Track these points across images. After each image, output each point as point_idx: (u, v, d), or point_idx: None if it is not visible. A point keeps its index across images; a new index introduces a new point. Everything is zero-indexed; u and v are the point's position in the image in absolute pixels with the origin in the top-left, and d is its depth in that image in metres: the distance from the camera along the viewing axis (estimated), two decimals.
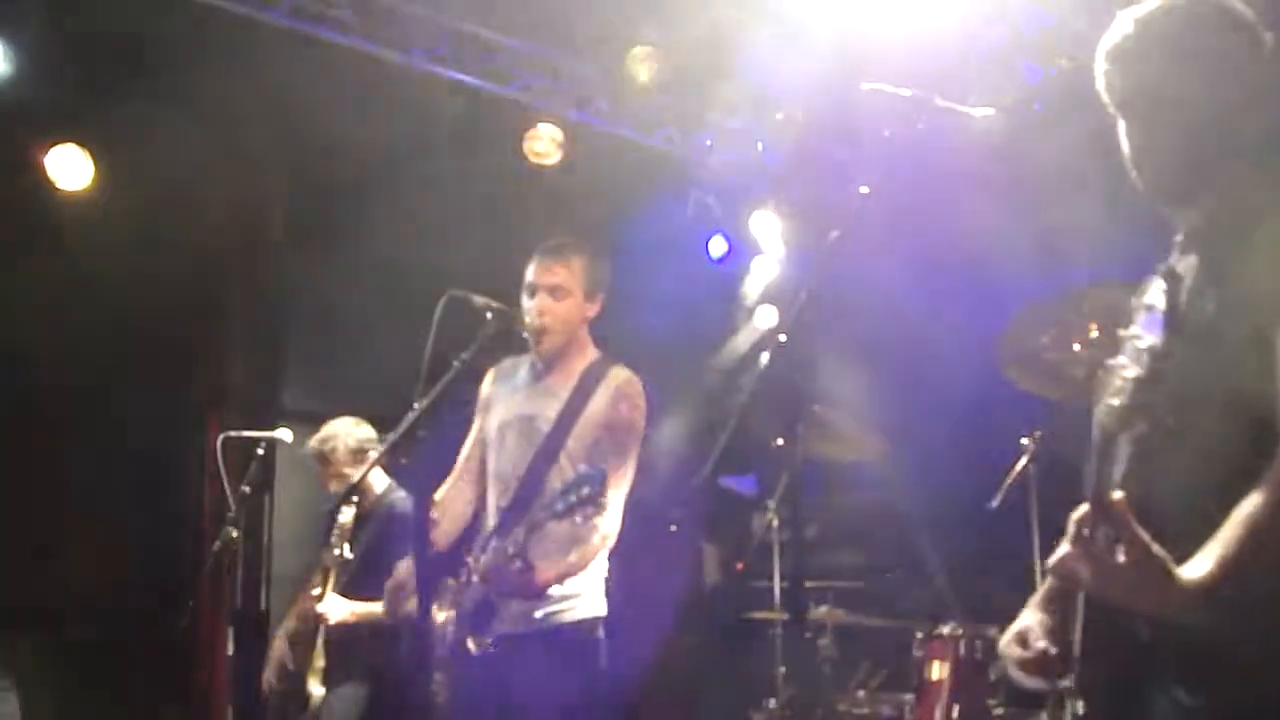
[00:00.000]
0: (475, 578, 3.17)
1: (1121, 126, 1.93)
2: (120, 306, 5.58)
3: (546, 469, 3.25)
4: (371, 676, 4.65)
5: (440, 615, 3.26)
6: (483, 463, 3.48)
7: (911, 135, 2.09)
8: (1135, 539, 1.59)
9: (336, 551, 4.45)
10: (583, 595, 3.28)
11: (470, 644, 3.15)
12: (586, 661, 3.27)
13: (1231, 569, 1.63)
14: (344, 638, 4.64)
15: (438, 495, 3.48)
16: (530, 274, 3.37)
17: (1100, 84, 1.94)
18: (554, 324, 3.31)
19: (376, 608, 4.58)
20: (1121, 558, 1.60)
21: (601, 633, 3.32)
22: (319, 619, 4.52)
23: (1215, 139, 1.87)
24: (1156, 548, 1.60)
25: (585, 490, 2.86)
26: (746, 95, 6.83)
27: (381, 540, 4.52)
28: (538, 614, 3.22)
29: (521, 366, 3.50)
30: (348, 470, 4.69)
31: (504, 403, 3.44)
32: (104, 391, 5.57)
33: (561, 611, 3.25)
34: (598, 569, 3.33)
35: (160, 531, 5.60)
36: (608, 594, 3.38)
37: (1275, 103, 1.89)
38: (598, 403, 3.28)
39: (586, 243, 3.45)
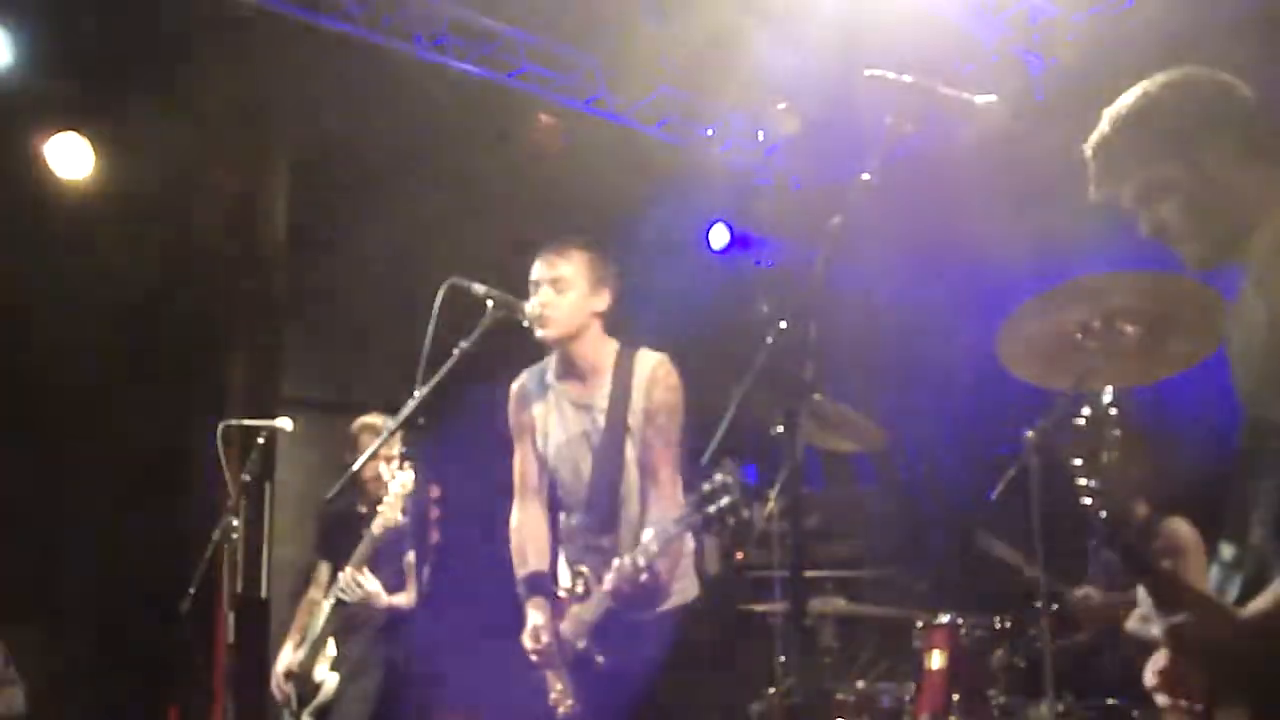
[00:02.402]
0: (595, 595, 3.23)
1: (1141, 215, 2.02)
2: (120, 294, 5.58)
3: (616, 479, 3.34)
4: (386, 666, 4.66)
5: (543, 630, 3.34)
6: (549, 486, 3.55)
7: (913, 123, 2.09)
8: (1185, 589, 1.74)
9: (376, 531, 4.47)
10: (681, 580, 3.37)
11: (598, 658, 3.25)
12: (686, 642, 3.35)
13: None
14: (357, 626, 4.64)
15: (512, 524, 3.56)
16: (534, 271, 3.41)
17: (1098, 182, 2.04)
18: (555, 314, 3.33)
19: (399, 599, 4.63)
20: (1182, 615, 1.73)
21: (696, 615, 3.41)
22: (368, 598, 4.54)
23: (1226, 202, 1.94)
24: (1213, 597, 1.76)
25: (725, 500, 2.83)
26: (747, 84, 6.82)
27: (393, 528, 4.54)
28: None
29: (544, 379, 3.51)
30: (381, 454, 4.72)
31: (557, 421, 3.47)
32: (104, 380, 5.57)
33: (667, 599, 3.33)
34: (688, 550, 3.42)
35: (161, 520, 5.60)
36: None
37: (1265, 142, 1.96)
38: (636, 399, 3.33)
39: (590, 237, 3.47)
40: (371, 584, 4.55)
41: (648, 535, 3.09)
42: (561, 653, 3.32)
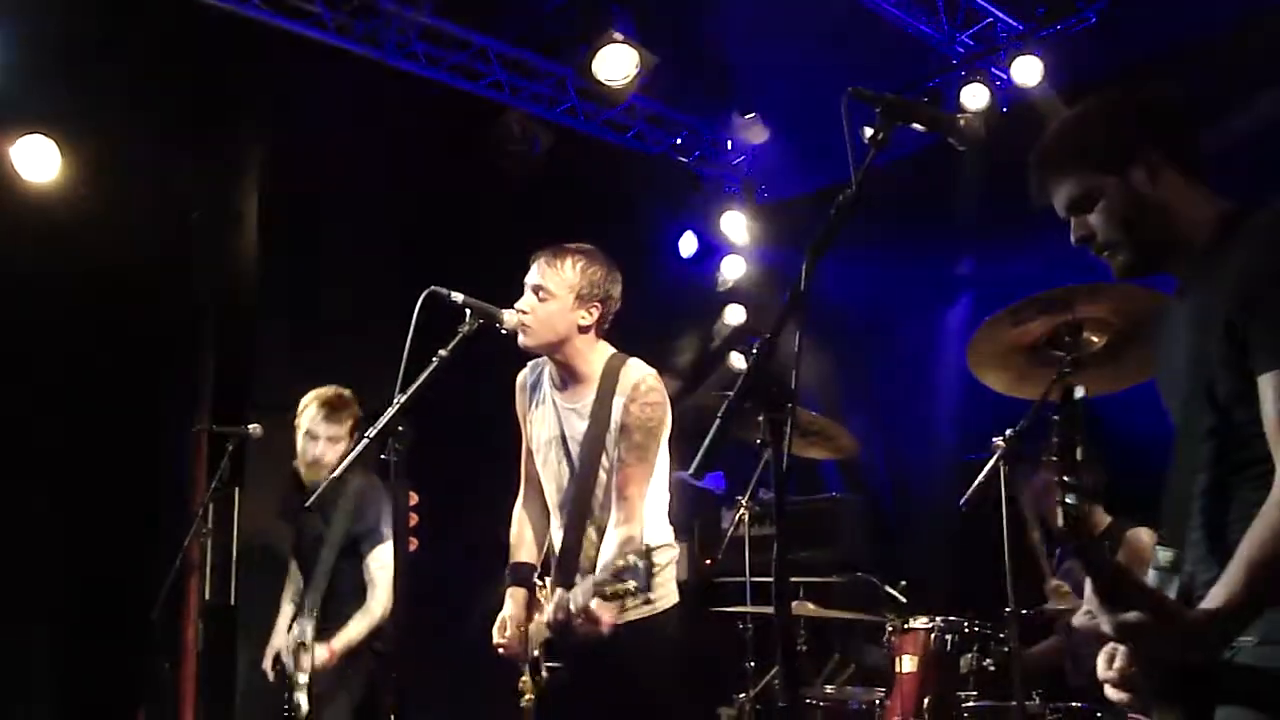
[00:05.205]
0: (544, 618, 3.23)
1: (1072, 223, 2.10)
2: (89, 301, 5.54)
3: (590, 487, 3.34)
4: (366, 686, 4.59)
5: (511, 622, 3.38)
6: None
7: (890, 137, 2.14)
8: (1139, 589, 1.78)
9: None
10: (658, 589, 3.29)
11: (550, 665, 3.27)
12: (661, 652, 3.34)
13: (1245, 598, 1.75)
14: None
15: (515, 510, 3.58)
16: (529, 272, 3.40)
17: (1035, 190, 2.13)
18: (532, 323, 3.32)
19: (356, 631, 4.35)
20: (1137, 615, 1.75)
21: (675, 624, 3.38)
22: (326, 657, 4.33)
23: (1153, 215, 2.00)
24: (1169, 598, 1.81)
25: (630, 584, 2.86)
26: (718, 95, 6.87)
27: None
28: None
29: (541, 376, 3.52)
30: (318, 430, 4.48)
31: (542, 419, 3.48)
32: (73, 385, 5.52)
33: (641, 606, 3.27)
34: (668, 560, 3.40)
35: (130, 525, 5.56)
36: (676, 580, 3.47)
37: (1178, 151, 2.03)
38: (615, 411, 3.31)
39: (586, 249, 3.41)
40: (321, 654, 4.28)
41: (582, 585, 3.08)
42: (525, 650, 3.34)
